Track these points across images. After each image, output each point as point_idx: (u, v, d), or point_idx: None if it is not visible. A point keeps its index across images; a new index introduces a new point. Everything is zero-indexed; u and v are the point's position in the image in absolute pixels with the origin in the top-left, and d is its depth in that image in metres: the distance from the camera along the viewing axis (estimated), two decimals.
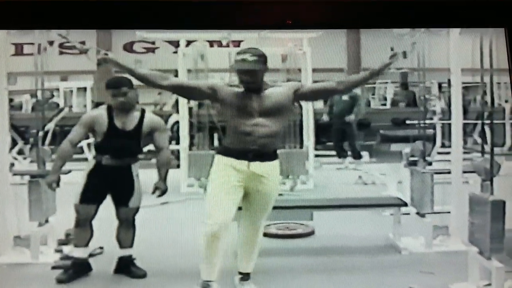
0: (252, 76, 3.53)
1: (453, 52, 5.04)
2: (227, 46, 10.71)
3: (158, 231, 5.07)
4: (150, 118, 4.25)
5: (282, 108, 3.59)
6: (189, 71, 7.74)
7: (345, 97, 9.52)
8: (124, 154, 4.19)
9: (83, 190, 4.16)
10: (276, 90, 3.62)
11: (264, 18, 3.81)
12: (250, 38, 8.52)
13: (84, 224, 4.22)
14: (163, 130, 4.28)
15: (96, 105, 9.58)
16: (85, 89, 11.74)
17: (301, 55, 8.07)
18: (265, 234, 5.12)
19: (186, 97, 4.66)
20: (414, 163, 5.52)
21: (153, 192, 4.18)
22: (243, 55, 3.53)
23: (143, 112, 4.25)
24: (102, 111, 4.23)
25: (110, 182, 4.16)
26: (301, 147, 7.89)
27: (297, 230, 5.31)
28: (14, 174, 5.11)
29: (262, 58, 3.56)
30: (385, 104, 14.06)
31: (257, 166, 3.56)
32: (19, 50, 10.85)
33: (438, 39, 5.36)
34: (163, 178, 4.18)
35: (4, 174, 4.71)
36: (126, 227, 4.27)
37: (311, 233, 5.28)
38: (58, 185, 4.16)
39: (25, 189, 4.67)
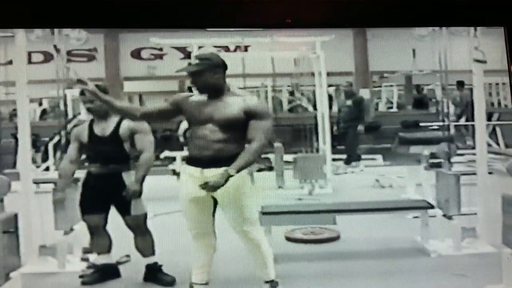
0: (196, 79, 3.46)
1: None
2: (235, 51, 10.78)
3: (175, 238, 4.96)
4: (129, 121, 4.15)
5: (233, 118, 3.44)
6: None
7: (349, 102, 9.49)
8: (109, 161, 4.11)
9: (80, 201, 4.19)
10: (234, 99, 3.47)
11: (264, 17, 3.87)
12: (262, 42, 8.51)
13: (97, 232, 4.22)
14: (144, 132, 4.13)
15: None
16: None
17: (314, 59, 8.01)
18: (291, 239, 5.13)
19: (162, 120, 4.38)
20: (436, 165, 5.47)
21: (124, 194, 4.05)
22: (190, 59, 3.56)
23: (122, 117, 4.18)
24: (86, 122, 4.25)
25: (104, 191, 4.10)
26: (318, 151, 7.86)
27: (323, 235, 5.24)
28: (34, 183, 5.03)
29: (207, 61, 3.45)
30: (391, 107, 14.04)
31: (211, 172, 3.39)
32: (28, 58, 10.85)
33: (459, 40, 5.31)
34: (137, 180, 4.03)
35: (28, 183, 4.67)
36: (141, 235, 4.19)
37: (337, 237, 5.22)
38: (63, 203, 4.28)
39: (47, 197, 4.62)
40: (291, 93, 12.24)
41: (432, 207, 4.96)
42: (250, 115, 3.42)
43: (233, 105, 3.43)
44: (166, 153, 8.23)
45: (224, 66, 3.51)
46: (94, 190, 4.13)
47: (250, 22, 3.99)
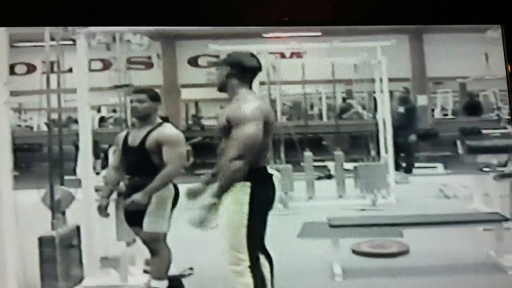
0: (215, 83, 3.27)
1: None
2: (291, 57, 10.68)
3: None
4: (160, 131, 3.81)
5: (220, 128, 3.13)
6: (261, 83, 7.55)
7: (401, 109, 9.21)
8: (138, 173, 3.80)
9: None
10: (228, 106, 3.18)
11: (261, 15, 3.82)
12: (320, 48, 8.38)
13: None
14: (173, 145, 3.77)
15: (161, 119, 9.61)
16: None
17: (375, 65, 7.80)
18: (358, 253, 4.94)
19: None
20: (507, 175, 5.22)
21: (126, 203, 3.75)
22: None
23: (157, 126, 3.86)
24: (126, 130, 4.07)
25: None
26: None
27: (391, 249, 5.01)
28: (97, 190, 4.97)
29: (222, 59, 3.26)
30: (446, 114, 13.71)
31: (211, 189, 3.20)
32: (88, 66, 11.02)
33: None
34: (146, 191, 3.66)
35: (90, 192, 4.61)
36: (152, 254, 3.87)
37: (406, 251, 4.98)
38: (107, 211, 3.99)
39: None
40: (344, 100, 12.10)
41: (506, 219, 4.68)
42: (230, 123, 3.05)
43: (224, 112, 3.14)
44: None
45: (241, 68, 3.19)
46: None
47: (247, 20, 3.98)
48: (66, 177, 5.39)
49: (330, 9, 3.88)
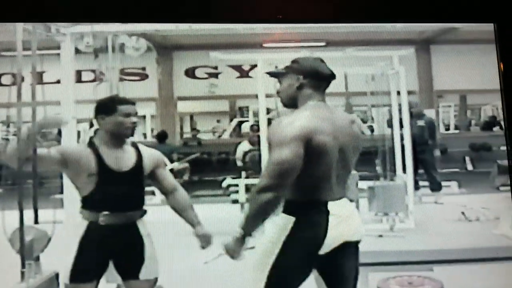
0: (279, 86, 2.77)
1: None
2: None
3: None
4: (150, 152, 3.22)
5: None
6: (268, 96, 7.00)
7: (420, 123, 8.67)
8: (126, 207, 3.04)
9: (75, 264, 2.99)
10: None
11: (255, 12, 3.74)
12: (334, 57, 7.86)
13: None
14: (164, 166, 3.30)
15: (158, 135, 9.13)
16: (144, 117, 11.31)
17: (392, 76, 7.24)
18: None
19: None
20: None
21: (203, 247, 3.15)
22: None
23: (135, 146, 3.19)
24: (82, 148, 3.09)
25: (110, 249, 3.03)
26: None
27: (423, 287, 4.41)
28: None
29: (294, 65, 2.71)
30: (448, 129, 13.32)
31: None
32: (78, 77, 10.57)
33: None
34: (198, 222, 3.18)
35: (73, 215, 4.04)
36: None
37: None
38: None
39: None
40: None
41: None
42: (269, 144, 2.60)
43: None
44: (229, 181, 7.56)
45: (316, 75, 2.63)
46: (97, 249, 3.02)
47: (242, 17, 3.97)
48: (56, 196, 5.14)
49: (328, 7, 3.78)
